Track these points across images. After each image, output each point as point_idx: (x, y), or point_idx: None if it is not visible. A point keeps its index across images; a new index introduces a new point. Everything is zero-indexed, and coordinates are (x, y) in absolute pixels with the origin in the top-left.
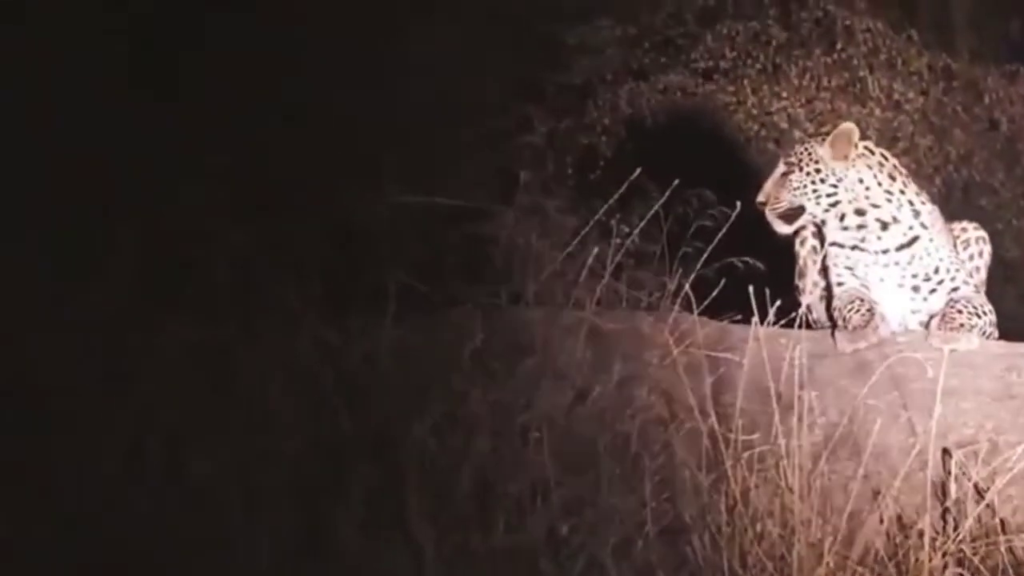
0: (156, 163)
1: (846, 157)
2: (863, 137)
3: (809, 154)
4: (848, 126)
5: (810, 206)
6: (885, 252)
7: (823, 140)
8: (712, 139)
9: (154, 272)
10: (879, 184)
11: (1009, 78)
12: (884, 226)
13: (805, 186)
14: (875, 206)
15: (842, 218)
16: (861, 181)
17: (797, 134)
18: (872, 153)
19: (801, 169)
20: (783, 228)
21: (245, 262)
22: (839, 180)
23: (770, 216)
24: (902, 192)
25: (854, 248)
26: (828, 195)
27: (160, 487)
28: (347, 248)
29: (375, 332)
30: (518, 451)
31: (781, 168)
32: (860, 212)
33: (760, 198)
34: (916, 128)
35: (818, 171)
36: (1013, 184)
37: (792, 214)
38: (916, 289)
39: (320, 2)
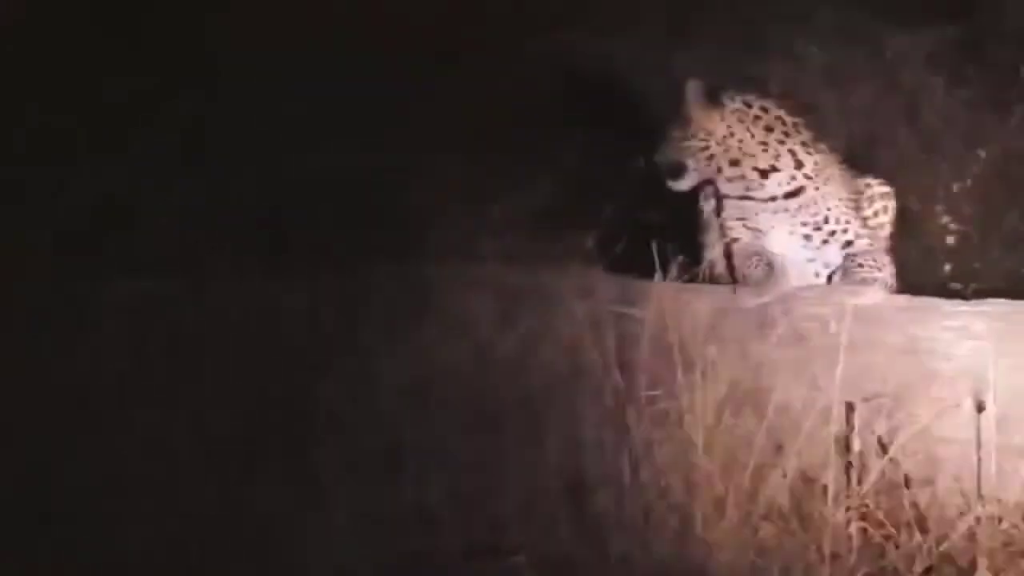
0: (102, 118)
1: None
2: (761, 90)
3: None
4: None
5: (689, 162)
6: (773, 199)
7: None
8: (618, 96)
9: (96, 226)
10: (752, 136)
11: (911, 32)
12: (763, 174)
13: (680, 142)
14: (749, 155)
15: (720, 170)
16: (732, 134)
17: None
18: (749, 106)
19: (680, 127)
20: (678, 185)
21: (181, 218)
22: (709, 134)
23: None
24: (780, 142)
25: (742, 197)
26: (701, 149)
27: (107, 437)
28: (255, 208)
29: (279, 290)
30: (423, 408)
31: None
32: (735, 162)
33: (656, 157)
34: (818, 83)
35: (687, 127)
36: (915, 139)
37: (678, 169)
38: (807, 238)
39: None
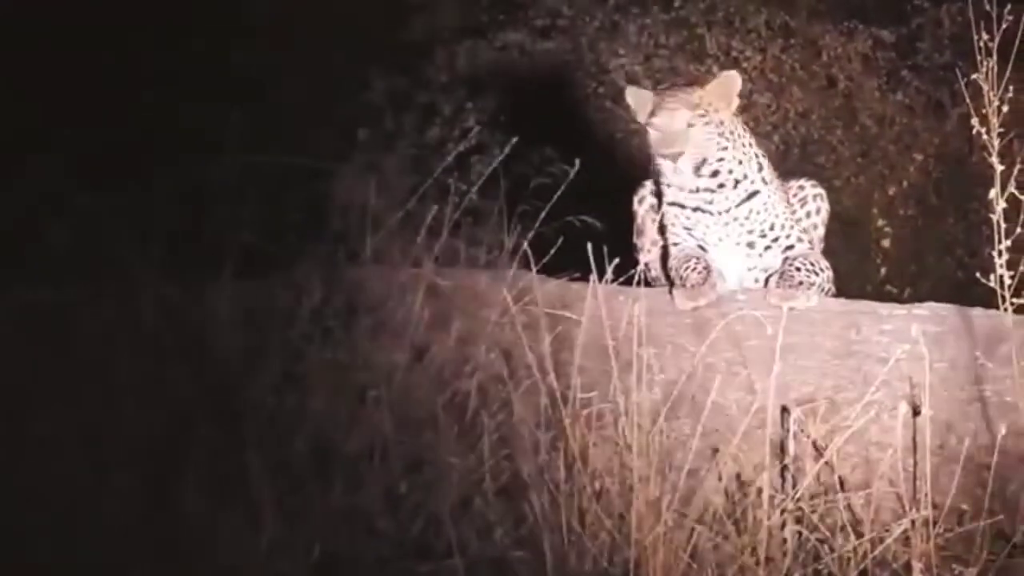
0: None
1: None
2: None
3: (711, 105)
4: (735, 74)
5: (710, 156)
6: (727, 211)
7: (713, 90)
8: (551, 97)
9: None
10: (740, 139)
11: (848, 35)
12: (736, 183)
13: (711, 137)
14: (737, 161)
15: (699, 168)
16: (734, 133)
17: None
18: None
19: (709, 122)
20: (680, 162)
21: (88, 221)
22: (731, 132)
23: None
24: (750, 145)
25: (696, 210)
26: (721, 147)
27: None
28: (186, 208)
29: (214, 292)
30: (356, 410)
31: (683, 119)
32: (721, 157)
33: (675, 148)
34: (754, 86)
35: (721, 123)
36: (851, 142)
37: (678, 141)
38: (751, 246)
39: None
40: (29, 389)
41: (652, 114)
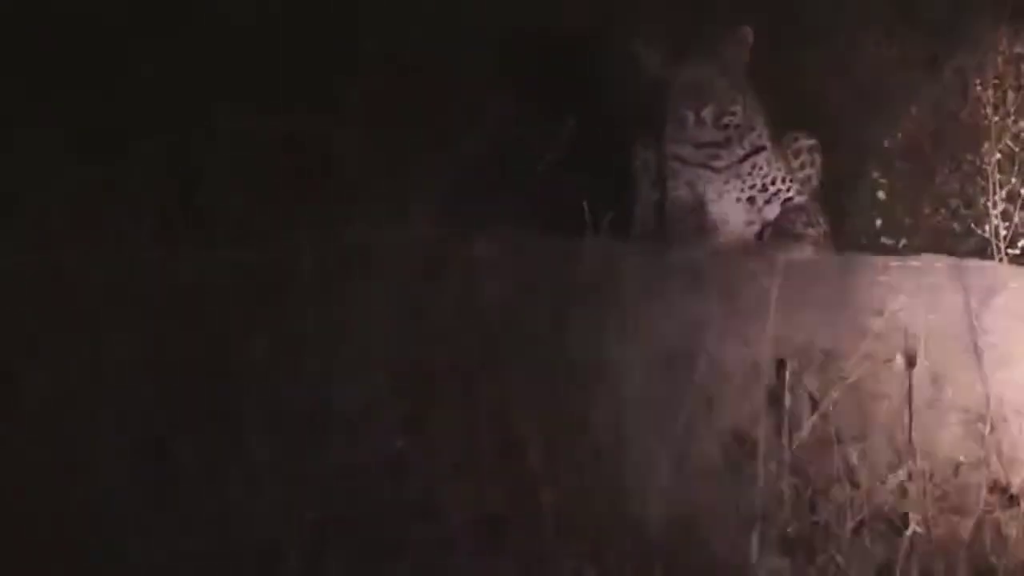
0: None
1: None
2: None
3: (735, 58)
4: (748, 28)
5: (728, 107)
6: (729, 167)
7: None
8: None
9: None
10: (748, 91)
11: None
12: (742, 137)
13: (729, 89)
14: (748, 113)
15: (718, 118)
16: (744, 85)
17: None
18: None
19: (726, 73)
20: (704, 112)
21: (79, 184)
22: (742, 84)
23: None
24: (754, 97)
25: (699, 165)
26: (736, 101)
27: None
28: (181, 171)
29: (209, 253)
30: (353, 368)
31: (707, 71)
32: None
33: (702, 99)
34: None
35: (736, 75)
36: (846, 94)
37: (706, 93)
38: (752, 200)
39: None
40: (22, 350)
41: (674, 66)
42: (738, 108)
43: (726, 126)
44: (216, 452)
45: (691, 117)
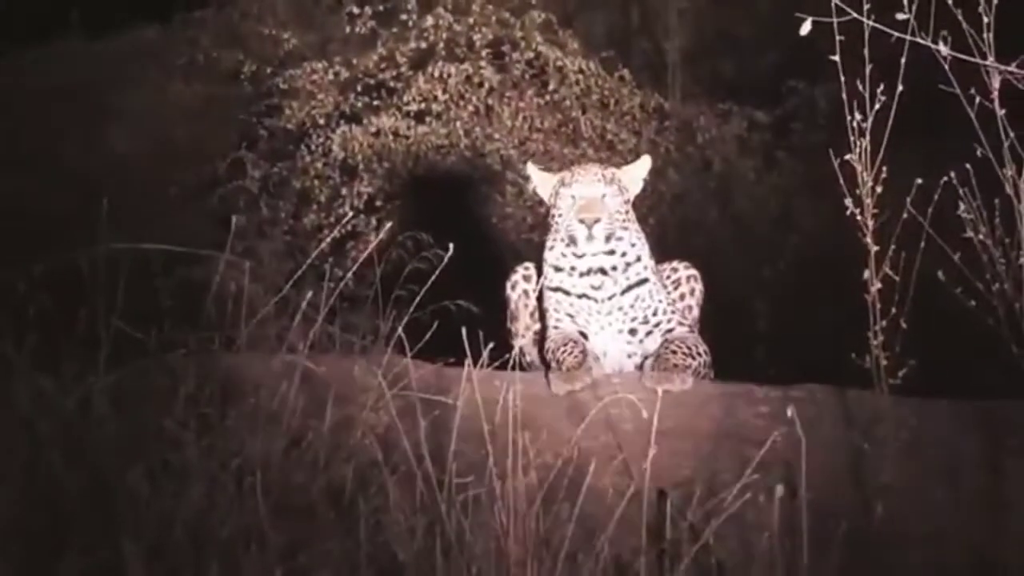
0: None
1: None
2: None
3: (622, 182)
4: (648, 158)
5: (617, 230)
6: (611, 298)
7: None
8: (426, 182)
9: None
10: (634, 222)
11: (723, 117)
12: (628, 266)
13: (620, 212)
14: (631, 243)
15: (609, 239)
16: (631, 215)
17: (510, 175)
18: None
19: (621, 193)
20: (594, 230)
21: None
22: (629, 212)
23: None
24: (638, 229)
25: (581, 296)
26: (624, 226)
27: None
28: (60, 295)
29: (89, 379)
30: (233, 497)
31: (600, 189)
32: (619, 237)
33: (594, 214)
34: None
35: (627, 201)
36: (727, 224)
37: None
38: (633, 332)
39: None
40: None
41: (567, 184)
42: (625, 235)
43: (612, 252)
44: None
45: (583, 231)
